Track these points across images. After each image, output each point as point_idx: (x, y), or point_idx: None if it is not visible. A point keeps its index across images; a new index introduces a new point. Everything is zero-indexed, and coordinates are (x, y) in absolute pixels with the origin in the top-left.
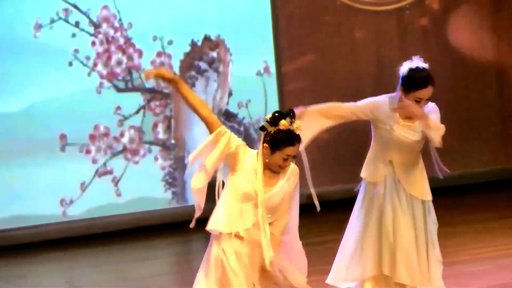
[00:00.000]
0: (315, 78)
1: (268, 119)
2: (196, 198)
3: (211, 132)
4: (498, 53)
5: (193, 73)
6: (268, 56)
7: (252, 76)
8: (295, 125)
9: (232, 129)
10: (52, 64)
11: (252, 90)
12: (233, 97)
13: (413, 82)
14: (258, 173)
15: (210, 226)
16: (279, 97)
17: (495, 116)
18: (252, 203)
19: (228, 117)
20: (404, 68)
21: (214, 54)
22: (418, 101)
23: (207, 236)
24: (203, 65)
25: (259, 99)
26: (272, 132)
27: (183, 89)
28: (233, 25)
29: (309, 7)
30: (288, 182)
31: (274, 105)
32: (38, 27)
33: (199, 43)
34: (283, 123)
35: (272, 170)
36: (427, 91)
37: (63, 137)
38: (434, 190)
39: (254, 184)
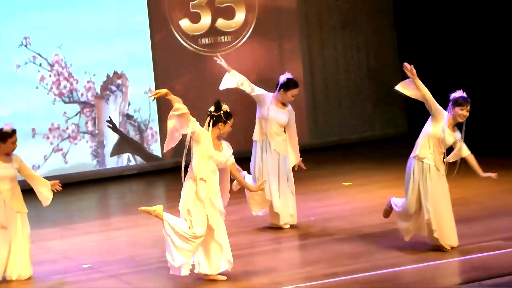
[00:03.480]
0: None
1: (213, 110)
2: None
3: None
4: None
5: (107, 92)
6: (151, 83)
7: (141, 94)
8: (227, 107)
9: (131, 124)
10: (26, 88)
11: (142, 102)
12: (131, 106)
13: (290, 84)
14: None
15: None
16: (157, 107)
17: None
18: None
19: (128, 117)
20: (283, 77)
21: (119, 81)
22: (293, 97)
23: (117, 187)
24: (113, 87)
25: (146, 107)
26: (222, 114)
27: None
28: (130, 64)
29: (176, 53)
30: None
31: (154, 111)
32: (18, 66)
33: (111, 75)
34: (225, 107)
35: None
36: (296, 90)
37: (33, 129)
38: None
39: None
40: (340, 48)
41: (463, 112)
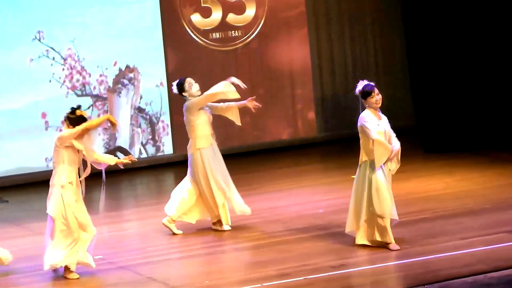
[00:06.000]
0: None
1: (69, 112)
2: None
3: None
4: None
5: (120, 86)
6: (162, 77)
7: (153, 88)
8: (84, 112)
9: (142, 118)
10: (39, 81)
11: (153, 96)
12: (143, 99)
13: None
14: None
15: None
16: (168, 100)
17: None
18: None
19: (140, 110)
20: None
21: (131, 75)
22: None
23: (128, 179)
24: (125, 81)
25: (157, 101)
26: (75, 118)
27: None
28: (142, 59)
29: (187, 47)
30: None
31: (165, 104)
32: (31, 60)
33: (123, 69)
34: (79, 112)
35: None
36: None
37: (46, 122)
38: None
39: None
40: (349, 42)
41: (376, 98)
